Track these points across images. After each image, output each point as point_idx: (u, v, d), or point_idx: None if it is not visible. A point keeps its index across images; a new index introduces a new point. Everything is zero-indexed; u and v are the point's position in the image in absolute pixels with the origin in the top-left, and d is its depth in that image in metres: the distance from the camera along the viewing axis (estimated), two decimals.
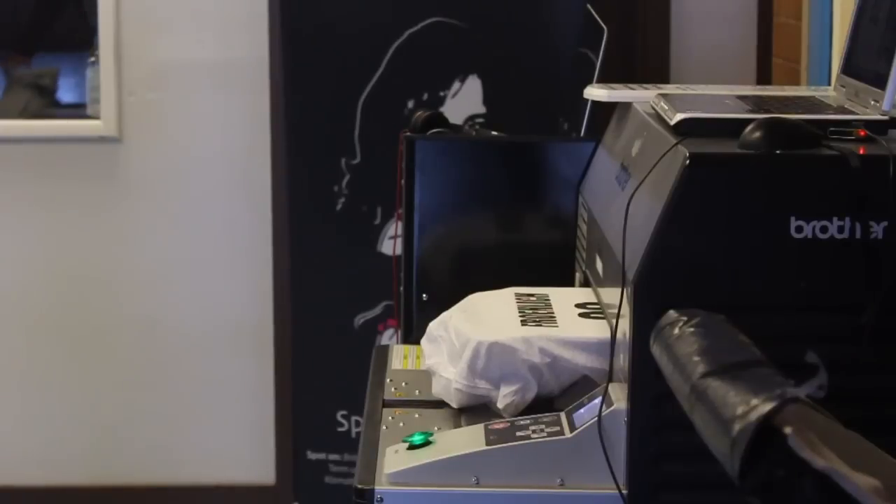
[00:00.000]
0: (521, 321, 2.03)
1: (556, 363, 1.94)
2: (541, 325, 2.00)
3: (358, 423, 3.84)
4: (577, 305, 2.10)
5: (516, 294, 2.17)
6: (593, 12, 2.56)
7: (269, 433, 4.39)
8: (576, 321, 2.04)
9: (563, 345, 1.95)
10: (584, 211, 2.32)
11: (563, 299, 2.14)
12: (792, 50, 3.79)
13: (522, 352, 1.94)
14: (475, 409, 1.96)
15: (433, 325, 2.10)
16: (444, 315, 2.11)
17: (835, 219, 1.69)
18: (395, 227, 2.65)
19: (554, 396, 1.97)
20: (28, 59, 4.54)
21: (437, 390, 2.02)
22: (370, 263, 3.89)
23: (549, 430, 1.82)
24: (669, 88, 2.19)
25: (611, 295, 1.90)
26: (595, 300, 2.12)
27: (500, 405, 1.94)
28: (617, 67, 3.85)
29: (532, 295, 2.17)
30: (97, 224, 4.37)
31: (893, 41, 1.84)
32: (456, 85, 3.89)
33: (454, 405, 2.00)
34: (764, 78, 4.13)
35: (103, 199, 4.37)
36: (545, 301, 2.13)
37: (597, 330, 1.98)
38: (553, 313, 2.07)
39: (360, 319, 3.94)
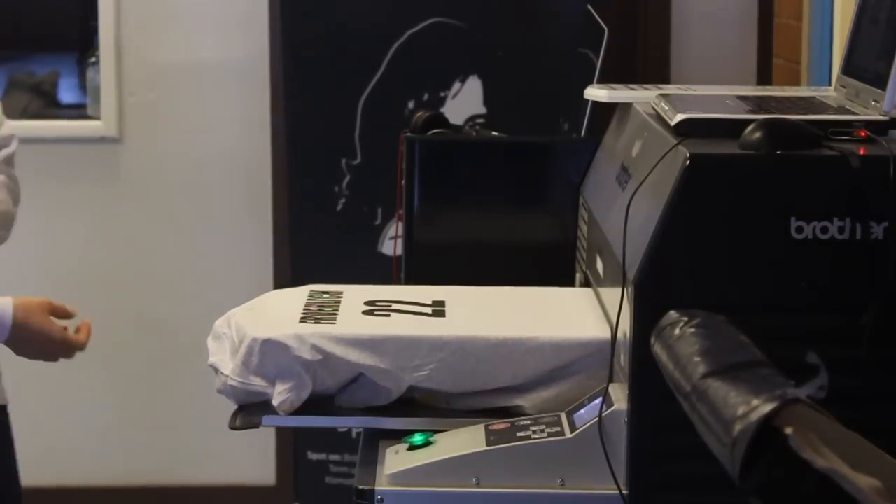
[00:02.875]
0: (301, 318, 2.02)
1: (328, 360, 1.94)
2: (319, 323, 2.00)
3: None
4: (367, 303, 2.10)
5: (311, 291, 2.17)
6: (593, 12, 2.55)
7: (269, 433, 4.39)
8: (357, 318, 2.03)
9: (335, 342, 1.94)
10: (584, 211, 2.32)
11: (356, 297, 2.13)
12: (792, 50, 3.79)
13: (295, 349, 1.94)
14: (474, 410, 1.97)
15: (218, 323, 2.10)
16: (231, 312, 2.11)
17: (835, 219, 1.69)
18: (395, 228, 2.65)
19: (332, 394, 1.97)
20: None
21: (219, 387, 2.02)
22: (371, 264, 3.89)
23: (549, 430, 1.81)
24: (670, 89, 2.19)
25: (611, 295, 1.90)
26: (388, 297, 2.13)
27: (275, 402, 1.94)
28: (617, 67, 3.85)
29: (326, 292, 2.17)
30: (97, 224, 4.37)
31: (894, 42, 1.84)
32: (456, 85, 3.90)
33: (233, 402, 2.00)
34: (764, 78, 4.13)
35: (103, 199, 4.37)
36: (336, 298, 2.13)
37: (373, 327, 1.98)
38: (337, 311, 2.06)
39: None
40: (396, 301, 2.11)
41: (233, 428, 1.97)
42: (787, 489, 1.18)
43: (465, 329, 1.98)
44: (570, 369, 1.93)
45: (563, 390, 1.93)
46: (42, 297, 2.24)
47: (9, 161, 2.53)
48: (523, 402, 1.94)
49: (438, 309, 2.08)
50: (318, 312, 2.05)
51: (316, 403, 1.96)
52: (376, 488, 1.80)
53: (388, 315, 2.05)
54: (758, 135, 1.73)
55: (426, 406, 1.96)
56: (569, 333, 1.96)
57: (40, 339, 2.18)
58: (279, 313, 2.07)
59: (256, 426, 1.96)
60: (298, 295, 2.16)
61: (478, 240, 2.49)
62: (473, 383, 1.95)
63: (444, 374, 1.94)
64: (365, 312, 2.06)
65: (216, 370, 2.04)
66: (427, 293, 2.16)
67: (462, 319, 2.04)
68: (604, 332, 1.95)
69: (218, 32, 4.32)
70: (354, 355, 1.93)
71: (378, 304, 2.10)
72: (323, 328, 1.97)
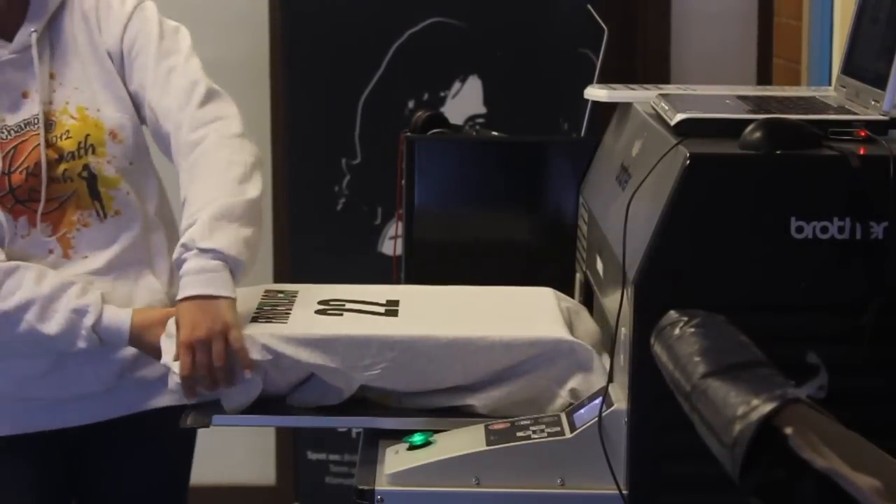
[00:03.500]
0: (253, 318, 2.02)
1: (278, 360, 1.93)
2: (270, 322, 2.00)
3: None
4: (320, 302, 2.09)
5: (266, 291, 2.17)
6: (593, 12, 2.55)
7: (269, 433, 4.39)
8: (309, 318, 2.03)
9: (285, 342, 1.94)
10: (584, 211, 2.32)
11: (310, 296, 2.13)
12: (792, 50, 3.79)
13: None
14: (426, 409, 1.96)
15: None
16: None
17: (835, 219, 1.69)
18: (395, 228, 2.65)
19: (283, 394, 1.97)
20: None
21: (171, 386, 2.02)
22: (370, 263, 3.89)
23: (549, 430, 1.82)
24: (670, 88, 2.19)
25: (611, 295, 1.90)
26: (342, 297, 2.12)
27: (224, 402, 1.95)
28: (617, 67, 3.85)
29: (281, 292, 2.16)
30: None
31: (894, 41, 1.84)
32: (456, 85, 3.89)
33: (188, 401, 2.00)
34: (764, 78, 4.13)
35: None
36: (291, 298, 2.12)
37: (324, 326, 1.98)
38: (290, 310, 2.05)
39: None
40: (351, 300, 2.10)
41: (183, 427, 1.97)
42: (787, 489, 1.18)
43: (415, 328, 1.97)
44: (520, 368, 1.93)
45: (514, 389, 1.93)
46: (165, 310, 2.22)
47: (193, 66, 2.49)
48: (475, 401, 1.93)
49: (392, 308, 2.08)
50: (271, 312, 2.05)
51: (267, 403, 1.96)
52: (376, 488, 1.80)
53: (341, 314, 2.04)
54: (758, 135, 1.73)
55: (378, 405, 1.96)
56: (520, 333, 1.95)
57: (157, 355, 2.18)
58: None
59: (207, 426, 1.96)
60: (252, 294, 2.15)
61: (478, 240, 2.49)
62: (424, 382, 1.94)
63: (394, 374, 1.93)
64: (318, 312, 2.05)
65: (170, 370, 2.03)
66: (383, 292, 2.16)
67: (414, 319, 2.03)
68: (555, 332, 1.95)
69: (218, 32, 4.32)
70: (304, 355, 1.93)
71: (332, 303, 2.09)
72: (274, 328, 1.97)
